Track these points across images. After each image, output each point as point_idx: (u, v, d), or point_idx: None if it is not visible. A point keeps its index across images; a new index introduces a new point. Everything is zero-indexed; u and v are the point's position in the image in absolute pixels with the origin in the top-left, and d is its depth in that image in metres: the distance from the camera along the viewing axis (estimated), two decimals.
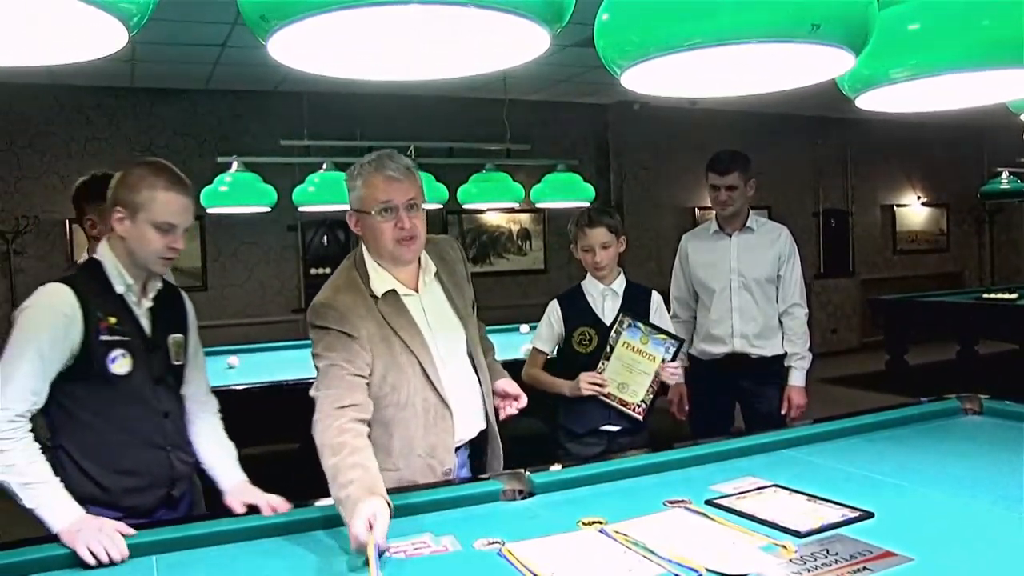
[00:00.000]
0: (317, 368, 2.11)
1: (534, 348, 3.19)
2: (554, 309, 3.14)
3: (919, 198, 11.39)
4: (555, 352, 3.17)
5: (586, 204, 6.02)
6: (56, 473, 1.96)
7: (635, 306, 3.07)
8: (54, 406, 2.03)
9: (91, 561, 1.71)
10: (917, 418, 2.69)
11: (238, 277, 7.83)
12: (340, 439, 1.93)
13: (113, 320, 2.06)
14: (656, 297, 3.17)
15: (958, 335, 8.01)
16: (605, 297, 3.08)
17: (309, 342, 2.19)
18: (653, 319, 3.06)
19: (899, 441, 2.48)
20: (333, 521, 1.85)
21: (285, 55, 1.52)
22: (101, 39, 1.39)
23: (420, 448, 2.21)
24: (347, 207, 2.23)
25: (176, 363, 2.22)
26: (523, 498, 2.07)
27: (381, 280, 2.21)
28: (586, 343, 3.01)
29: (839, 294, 10.65)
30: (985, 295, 7.94)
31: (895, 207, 11.24)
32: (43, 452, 2.29)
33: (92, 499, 1.99)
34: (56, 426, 2.06)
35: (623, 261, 3.17)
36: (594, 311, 3.06)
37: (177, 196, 2.08)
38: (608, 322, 3.02)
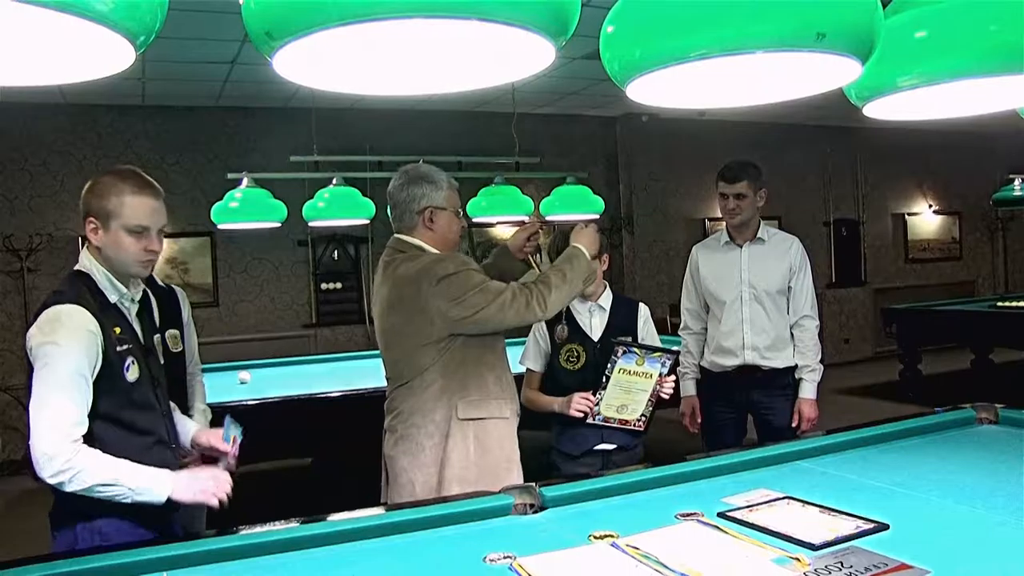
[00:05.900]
0: (492, 289, 2.51)
1: (527, 369, 3.09)
2: (539, 326, 3.04)
3: (931, 206, 11.35)
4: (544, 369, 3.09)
5: (596, 216, 6.02)
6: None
7: (622, 320, 3.03)
8: None
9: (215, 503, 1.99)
10: (932, 428, 2.66)
11: (249, 293, 7.86)
12: None
13: (118, 330, 2.10)
14: (643, 310, 3.13)
15: (972, 344, 7.98)
16: (592, 313, 3.03)
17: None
18: (641, 333, 3.04)
19: (914, 451, 2.46)
20: (343, 536, 1.85)
21: (291, 72, 1.53)
22: (109, 57, 1.39)
23: (504, 381, 2.67)
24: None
25: (175, 350, 2.43)
26: (534, 512, 2.06)
27: None
28: (574, 360, 2.96)
29: (851, 304, 10.61)
30: (999, 303, 7.88)
31: (906, 216, 11.21)
32: None
33: (109, 508, 1.98)
34: None
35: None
36: (581, 327, 3.00)
37: (145, 199, 2.11)
38: (596, 338, 2.98)
